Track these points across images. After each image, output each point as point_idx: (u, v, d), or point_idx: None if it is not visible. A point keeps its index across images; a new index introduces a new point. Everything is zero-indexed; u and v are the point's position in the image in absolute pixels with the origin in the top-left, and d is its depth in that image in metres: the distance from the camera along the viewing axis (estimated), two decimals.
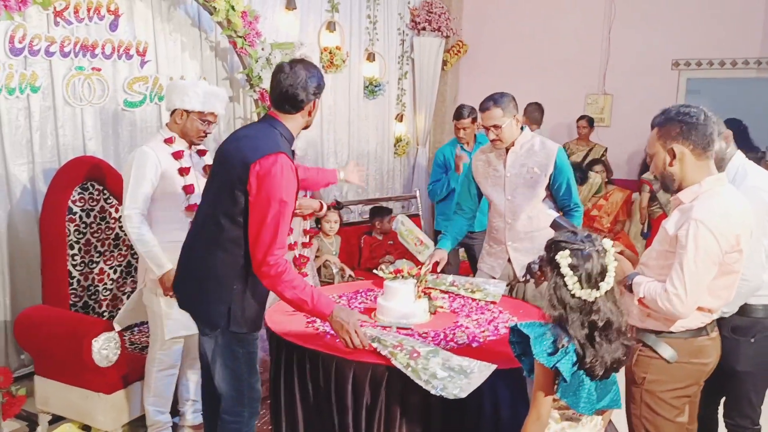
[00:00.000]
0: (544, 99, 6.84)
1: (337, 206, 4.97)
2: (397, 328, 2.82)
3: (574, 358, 1.88)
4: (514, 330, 2.03)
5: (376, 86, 6.40)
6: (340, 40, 5.83)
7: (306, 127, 2.60)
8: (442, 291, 3.32)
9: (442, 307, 3.12)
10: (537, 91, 6.91)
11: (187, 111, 3.12)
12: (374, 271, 3.14)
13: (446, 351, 2.53)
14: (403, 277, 3.01)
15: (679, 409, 2.35)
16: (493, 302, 3.19)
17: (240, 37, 4.35)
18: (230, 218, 2.39)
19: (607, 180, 6.39)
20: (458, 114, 4.83)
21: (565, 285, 1.89)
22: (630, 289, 2.33)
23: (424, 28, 6.89)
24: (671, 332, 2.31)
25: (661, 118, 2.28)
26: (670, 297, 2.18)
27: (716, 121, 2.31)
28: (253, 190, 2.33)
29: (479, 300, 3.21)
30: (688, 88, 6.62)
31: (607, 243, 1.94)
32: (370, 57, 6.32)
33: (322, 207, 3.18)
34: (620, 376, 2.34)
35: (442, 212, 4.99)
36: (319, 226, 4.86)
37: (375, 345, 2.53)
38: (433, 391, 2.29)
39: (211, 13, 4.21)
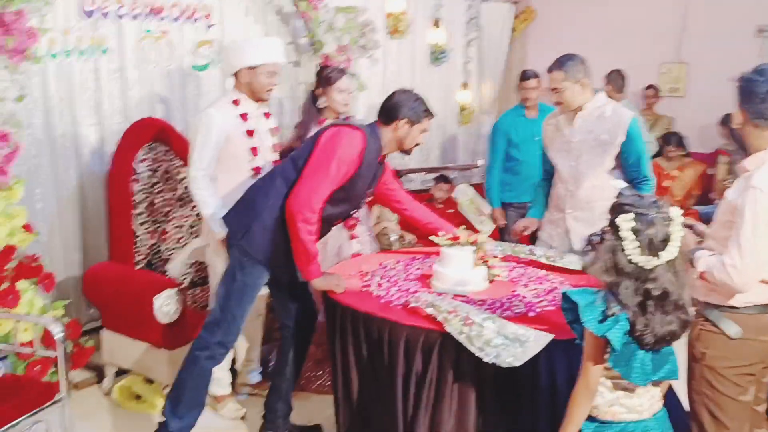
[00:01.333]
0: (616, 67, 6.58)
1: (397, 174, 4.94)
2: (453, 294, 2.79)
3: (626, 327, 1.81)
4: (566, 296, 1.99)
5: (441, 53, 6.29)
6: (405, 5, 5.74)
7: (401, 149, 2.88)
8: (516, 259, 3.25)
9: (499, 276, 3.05)
10: (609, 59, 6.64)
11: (251, 67, 3.12)
12: (431, 237, 3.10)
13: (502, 319, 2.49)
14: (460, 244, 2.97)
15: (743, 387, 2.25)
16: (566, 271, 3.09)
17: (304, 0, 4.32)
18: (294, 160, 2.77)
19: (683, 153, 6.12)
20: (523, 76, 4.74)
21: (623, 249, 1.82)
22: (692, 263, 2.23)
23: None
24: (736, 307, 2.20)
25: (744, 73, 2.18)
26: (727, 269, 2.09)
27: None
28: (321, 142, 2.70)
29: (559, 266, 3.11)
30: None
31: (675, 211, 1.84)
32: (436, 23, 6.20)
33: None
34: (682, 351, 2.28)
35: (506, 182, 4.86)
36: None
37: (429, 310, 2.51)
38: (486, 359, 2.26)
39: None
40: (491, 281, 2.99)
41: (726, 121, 5.94)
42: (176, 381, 2.89)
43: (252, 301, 2.85)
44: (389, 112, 2.80)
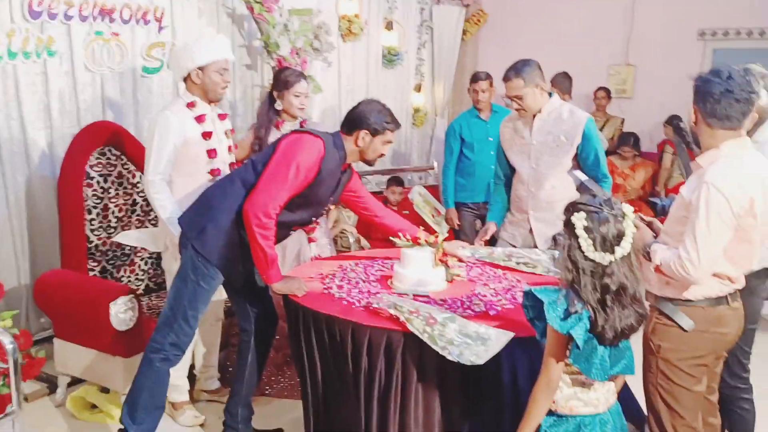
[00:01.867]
0: (564, 70, 6.73)
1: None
2: (414, 295, 2.80)
3: (588, 324, 1.87)
4: (528, 294, 2.03)
5: (394, 55, 6.33)
6: (358, 8, 5.75)
7: (363, 160, 2.88)
8: (498, 266, 3.25)
9: (459, 276, 3.08)
10: (558, 62, 6.76)
11: (201, 67, 3.09)
12: (391, 238, 3.11)
13: (463, 318, 2.52)
14: (420, 244, 2.99)
15: (696, 378, 2.32)
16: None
17: (257, 2, 4.30)
18: (254, 164, 2.76)
19: (635, 154, 6.27)
20: (474, 77, 4.79)
21: (579, 247, 1.88)
22: (649, 257, 2.30)
23: None
24: (690, 301, 2.27)
25: (701, 74, 2.24)
26: (683, 262, 2.15)
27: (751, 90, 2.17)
28: (281, 147, 2.70)
29: (541, 274, 3.08)
30: (715, 59, 6.47)
31: (627, 208, 1.91)
32: (389, 26, 6.24)
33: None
34: (637, 345, 2.34)
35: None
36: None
37: (392, 311, 2.51)
38: (449, 357, 2.28)
39: None
40: (451, 281, 3.02)
41: (671, 121, 6.13)
42: (132, 386, 2.83)
43: (206, 302, 2.81)
44: (352, 122, 2.80)
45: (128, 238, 3.51)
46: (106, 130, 3.58)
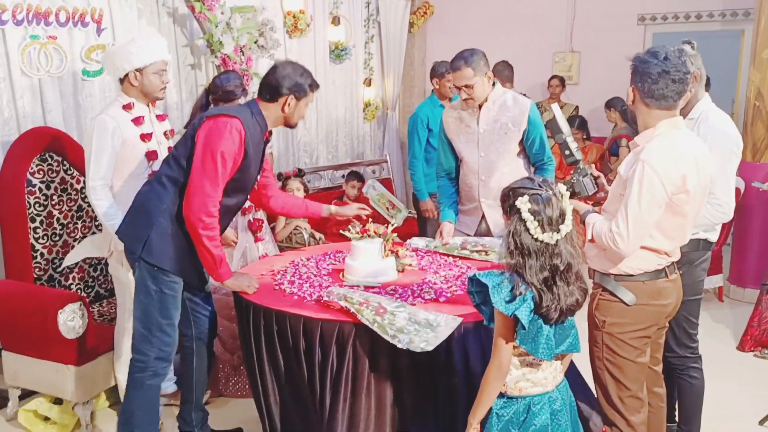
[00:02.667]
0: (512, 58, 6.77)
1: (299, 173, 4.93)
2: (365, 287, 2.82)
3: (532, 305, 1.90)
4: (473, 279, 2.05)
5: (342, 50, 6.33)
6: (303, 4, 5.73)
7: (287, 125, 2.79)
8: (453, 256, 3.28)
9: (410, 265, 3.12)
10: (505, 51, 6.86)
11: (138, 69, 3.04)
12: (341, 232, 3.12)
13: (412, 306, 2.55)
14: (369, 236, 3.00)
15: (640, 350, 2.40)
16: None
17: (198, 1, 4.25)
18: (176, 159, 2.67)
19: (584, 137, 6.39)
20: (442, 69, 4.76)
21: (527, 230, 1.91)
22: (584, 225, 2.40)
23: None
24: (630, 275, 2.34)
25: (638, 54, 2.30)
26: (614, 235, 2.24)
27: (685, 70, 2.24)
28: (200, 139, 2.58)
29: (493, 261, 3.12)
30: (655, 43, 6.63)
31: (562, 187, 1.96)
32: (335, 21, 6.23)
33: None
34: (582, 322, 2.40)
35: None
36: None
37: (342, 303, 2.53)
38: (399, 345, 2.30)
39: None
40: (402, 270, 3.05)
41: (610, 104, 6.27)
42: (124, 410, 2.77)
43: (177, 307, 2.75)
44: (274, 88, 2.67)
45: (75, 255, 3.51)
46: (46, 135, 3.50)
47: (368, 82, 6.89)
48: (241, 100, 3.55)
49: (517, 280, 1.93)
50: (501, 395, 2.06)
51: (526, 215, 1.91)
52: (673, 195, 2.21)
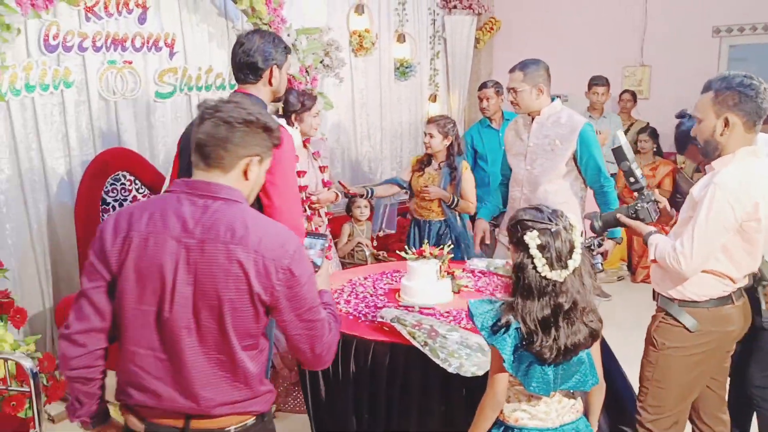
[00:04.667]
0: (580, 72, 6.70)
1: (367, 194, 4.97)
2: (420, 308, 2.84)
3: (516, 339, 1.83)
4: (469, 305, 1.99)
5: (407, 67, 6.39)
6: (369, 23, 5.83)
7: (275, 99, 2.61)
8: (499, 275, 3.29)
9: (466, 287, 3.12)
10: (573, 65, 6.79)
11: None
12: (398, 252, 3.16)
13: (465, 330, 2.55)
14: (425, 257, 3.02)
15: (694, 374, 2.38)
16: None
17: (265, 24, 4.38)
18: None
19: (654, 150, 6.23)
20: (481, 85, 4.85)
21: (535, 267, 1.80)
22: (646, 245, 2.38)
23: (455, 7, 6.82)
24: (695, 302, 2.31)
25: (720, 83, 2.24)
26: (677, 255, 2.21)
27: None
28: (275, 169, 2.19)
29: None
30: (731, 55, 6.39)
31: (573, 219, 1.87)
32: (401, 38, 6.30)
33: (337, 197, 3.20)
34: (640, 336, 2.39)
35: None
36: (350, 212, 4.86)
37: (395, 325, 2.55)
38: (449, 369, 2.31)
39: (236, 2, 4.26)
40: (458, 292, 3.05)
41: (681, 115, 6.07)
42: None
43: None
44: (254, 65, 2.44)
45: None
46: (120, 156, 3.69)
47: (433, 98, 6.92)
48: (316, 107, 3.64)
49: (506, 313, 1.85)
50: (498, 422, 1.99)
51: (534, 251, 1.80)
52: (744, 221, 2.17)
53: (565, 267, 1.80)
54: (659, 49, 6.61)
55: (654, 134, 6.16)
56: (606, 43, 6.84)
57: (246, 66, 2.45)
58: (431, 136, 4.04)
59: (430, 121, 4.19)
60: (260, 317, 1.64)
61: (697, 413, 2.54)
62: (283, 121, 3.17)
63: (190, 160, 2.09)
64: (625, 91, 6.60)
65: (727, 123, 2.21)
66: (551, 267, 1.80)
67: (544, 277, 1.81)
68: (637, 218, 2.47)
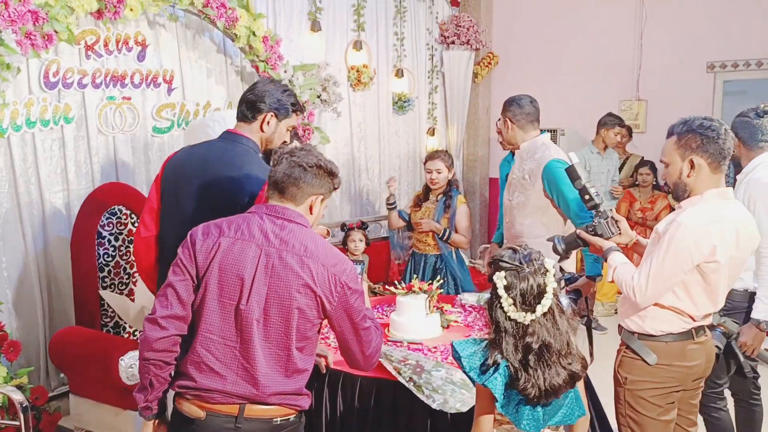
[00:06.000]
0: (577, 107, 6.80)
1: (362, 226, 4.99)
2: (408, 343, 2.86)
3: (506, 377, 1.84)
4: (453, 347, 1.99)
5: (405, 101, 6.47)
6: (367, 59, 5.92)
7: (266, 149, 2.53)
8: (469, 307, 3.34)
9: (456, 322, 3.14)
10: (570, 99, 6.89)
11: None
12: (387, 287, 3.19)
13: (451, 366, 2.56)
14: (414, 292, 3.05)
15: (663, 408, 2.39)
16: None
17: (262, 61, 4.47)
18: None
19: (654, 183, 6.27)
20: None
21: (501, 306, 1.84)
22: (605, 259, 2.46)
23: (453, 42, 6.93)
24: (653, 336, 2.36)
25: (681, 127, 2.31)
26: (633, 286, 2.29)
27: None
28: None
29: None
30: (727, 90, 6.46)
31: (549, 263, 1.87)
32: (399, 73, 6.38)
33: (328, 233, 3.21)
34: (609, 376, 2.40)
35: None
36: (346, 245, 4.88)
37: (381, 360, 2.57)
38: (433, 405, 2.33)
39: (233, 40, 4.35)
40: (447, 327, 3.07)
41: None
42: None
43: None
44: (253, 104, 2.46)
45: (109, 297, 3.61)
46: (116, 190, 3.74)
47: (432, 132, 6.99)
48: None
49: (492, 351, 1.87)
50: None
51: (500, 291, 1.84)
52: (702, 263, 2.20)
53: (532, 310, 1.82)
54: (655, 84, 6.69)
55: (653, 168, 6.21)
56: (602, 78, 6.92)
57: (246, 102, 2.48)
58: (438, 172, 4.16)
59: (433, 157, 4.25)
60: (318, 323, 1.96)
61: None
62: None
63: (174, 191, 2.40)
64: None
65: (692, 165, 2.27)
66: (516, 308, 1.82)
67: (510, 318, 1.83)
68: (596, 234, 2.55)
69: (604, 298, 6.07)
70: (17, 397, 2.75)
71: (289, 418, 1.95)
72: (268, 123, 2.47)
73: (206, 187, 2.39)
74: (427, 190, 4.36)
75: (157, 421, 2.01)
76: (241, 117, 2.50)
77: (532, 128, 3.37)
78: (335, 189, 2.11)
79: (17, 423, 2.77)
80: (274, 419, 1.92)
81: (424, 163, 4.30)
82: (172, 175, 2.50)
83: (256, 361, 1.88)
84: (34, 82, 3.68)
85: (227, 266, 1.91)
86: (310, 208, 2.04)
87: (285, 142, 2.56)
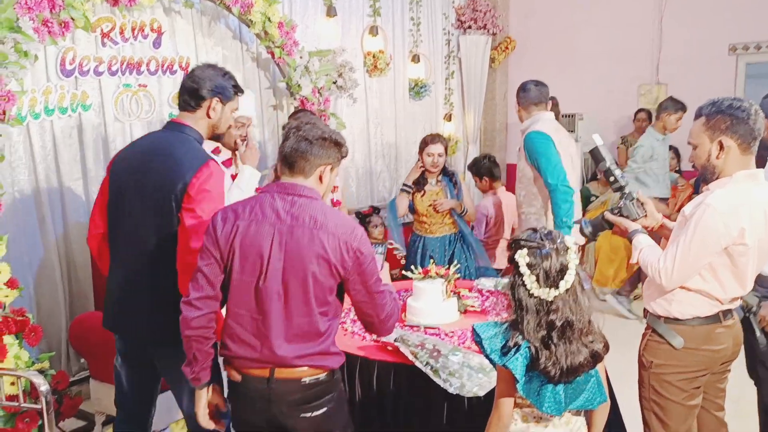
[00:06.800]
0: (596, 91, 6.74)
1: (374, 212, 4.98)
2: (425, 327, 2.85)
3: (527, 358, 1.83)
4: (474, 329, 1.99)
5: (421, 87, 6.43)
6: (383, 44, 5.89)
7: (214, 134, 2.55)
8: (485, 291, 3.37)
9: (473, 306, 3.13)
10: (588, 83, 6.81)
11: None
12: (403, 272, 3.18)
13: (468, 350, 2.55)
14: (431, 277, 3.04)
15: (688, 393, 2.36)
16: None
17: (278, 47, 4.46)
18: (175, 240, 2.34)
19: (677, 169, 6.19)
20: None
21: (524, 284, 1.84)
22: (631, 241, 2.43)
23: (469, 27, 6.88)
24: (679, 320, 2.32)
25: (710, 108, 2.26)
26: (659, 269, 2.25)
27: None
28: (193, 206, 2.29)
29: None
30: (750, 72, 6.34)
31: (569, 240, 1.88)
32: (415, 59, 6.35)
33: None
34: (634, 360, 2.40)
35: None
36: (366, 231, 4.86)
37: (398, 344, 2.57)
38: (450, 390, 2.32)
39: (249, 26, 4.34)
40: (464, 312, 3.06)
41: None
42: None
43: None
44: (195, 91, 2.44)
45: None
46: None
47: (448, 117, 6.96)
48: None
49: (514, 333, 1.87)
50: None
51: (523, 269, 1.84)
52: (730, 246, 2.16)
53: (555, 286, 1.83)
54: (675, 68, 6.59)
55: (677, 152, 6.13)
56: (621, 62, 6.84)
57: (187, 91, 2.46)
58: (440, 155, 4.14)
59: (435, 140, 4.19)
60: (335, 287, 2.05)
61: None
62: (220, 158, 3.13)
63: (118, 186, 2.45)
64: (641, 110, 6.58)
65: (722, 146, 2.21)
66: (540, 285, 1.83)
67: (533, 295, 1.84)
68: (621, 216, 2.52)
69: (623, 283, 6.01)
70: (39, 381, 2.77)
71: (318, 377, 2.06)
72: (214, 109, 2.46)
73: (145, 179, 2.38)
74: (422, 175, 4.27)
75: (208, 388, 2.19)
76: (184, 106, 2.48)
77: (535, 109, 3.75)
78: (343, 157, 2.19)
79: (39, 407, 2.80)
80: (303, 379, 2.04)
81: (423, 149, 4.21)
82: (118, 170, 2.50)
83: (278, 331, 2.02)
84: (51, 70, 3.70)
85: (246, 247, 2.02)
86: (320, 179, 2.12)
87: (231, 126, 2.60)
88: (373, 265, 2.08)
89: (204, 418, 2.20)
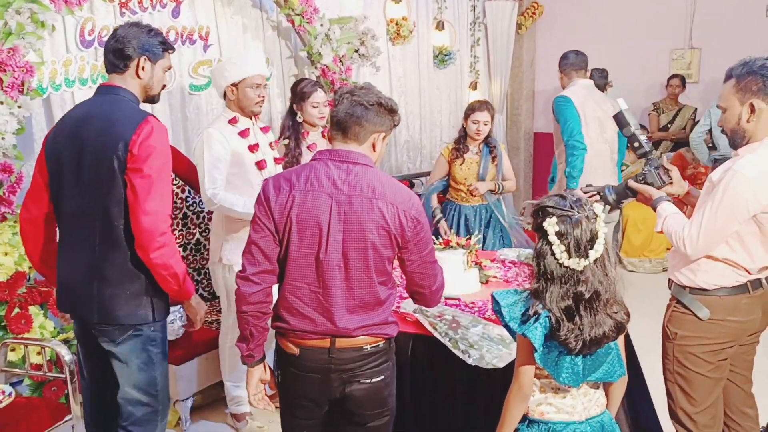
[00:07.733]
0: (625, 57, 6.54)
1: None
2: (445, 298, 2.81)
3: (547, 327, 1.78)
4: (494, 298, 1.94)
5: (446, 55, 6.31)
6: (406, 11, 5.78)
7: (149, 97, 2.42)
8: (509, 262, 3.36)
9: (495, 277, 3.08)
10: (617, 49, 6.61)
11: (234, 84, 3.15)
12: None
13: (488, 321, 2.51)
14: (452, 247, 3.00)
15: (714, 365, 2.30)
16: None
17: (298, 15, 4.38)
18: (123, 209, 2.23)
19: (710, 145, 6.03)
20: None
21: (553, 254, 1.77)
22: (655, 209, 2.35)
23: None
24: (706, 290, 2.25)
25: (741, 69, 2.16)
26: (684, 237, 2.17)
27: None
28: (140, 165, 2.17)
29: None
30: None
31: (598, 208, 1.81)
32: (439, 26, 6.22)
33: None
34: (657, 331, 2.35)
35: None
36: None
37: (417, 315, 2.54)
38: (469, 361, 2.29)
39: None
40: (486, 282, 3.02)
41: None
42: None
43: None
44: (120, 52, 2.29)
45: None
46: None
47: (474, 86, 6.84)
48: (317, 95, 3.68)
49: (534, 302, 1.82)
50: (524, 417, 1.94)
51: (552, 238, 1.77)
52: (759, 213, 2.07)
53: (585, 256, 1.76)
54: (709, 31, 6.37)
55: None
56: (652, 26, 6.63)
57: (112, 51, 2.31)
58: (485, 123, 4.14)
59: (481, 108, 4.14)
60: (393, 257, 2.03)
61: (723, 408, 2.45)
62: (237, 128, 3.19)
63: (57, 160, 2.30)
64: (674, 75, 6.40)
65: (753, 109, 2.11)
66: (570, 255, 1.76)
67: (563, 265, 1.77)
68: (645, 183, 2.45)
69: (652, 254, 5.90)
70: (63, 351, 2.80)
71: (378, 345, 2.06)
72: (144, 68, 2.33)
73: (83, 147, 2.24)
74: (462, 140, 4.22)
75: (260, 366, 2.15)
76: (112, 68, 2.34)
77: (576, 75, 4.26)
78: (395, 126, 2.14)
79: (63, 376, 2.83)
80: (364, 347, 2.03)
81: (468, 115, 4.17)
82: (53, 145, 2.36)
83: (340, 302, 1.99)
84: (71, 41, 3.68)
85: (303, 218, 1.97)
86: (373, 146, 2.07)
87: (165, 86, 2.46)
88: (428, 235, 2.07)
89: (256, 397, 2.17)
